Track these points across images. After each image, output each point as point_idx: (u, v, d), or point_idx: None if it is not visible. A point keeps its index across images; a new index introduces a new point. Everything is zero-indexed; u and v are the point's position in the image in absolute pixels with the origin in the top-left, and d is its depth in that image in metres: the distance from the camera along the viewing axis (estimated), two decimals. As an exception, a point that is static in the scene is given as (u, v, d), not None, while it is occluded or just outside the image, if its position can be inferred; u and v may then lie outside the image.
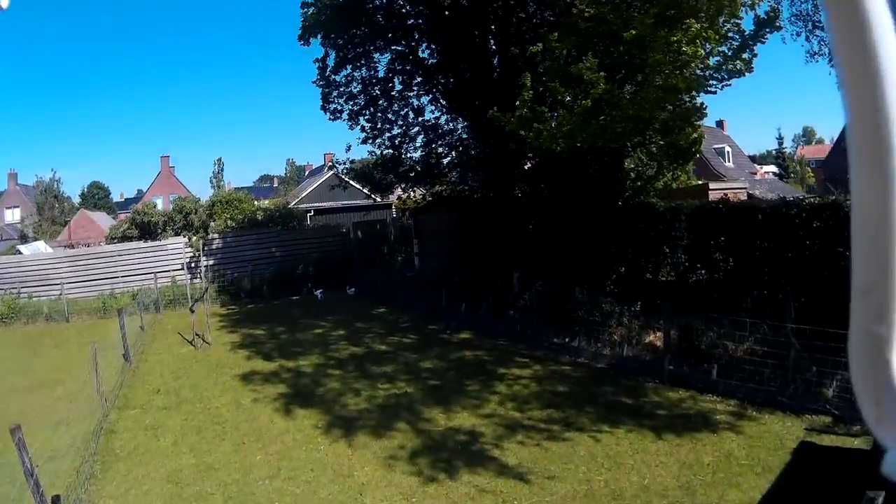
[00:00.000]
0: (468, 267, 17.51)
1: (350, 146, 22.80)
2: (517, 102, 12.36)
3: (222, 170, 75.68)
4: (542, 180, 16.39)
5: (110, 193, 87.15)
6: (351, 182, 25.26)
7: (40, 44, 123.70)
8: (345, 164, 21.25)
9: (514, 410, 9.43)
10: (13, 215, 58.09)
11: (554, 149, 12.41)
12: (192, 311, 15.93)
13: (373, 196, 24.81)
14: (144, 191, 69.34)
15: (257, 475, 7.90)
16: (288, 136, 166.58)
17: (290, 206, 33.33)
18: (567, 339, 12.59)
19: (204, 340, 15.73)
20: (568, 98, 12.28)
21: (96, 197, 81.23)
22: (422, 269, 21.50)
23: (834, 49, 0.63)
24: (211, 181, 73.25)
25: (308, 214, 33.68)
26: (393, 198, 33.12)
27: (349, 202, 38.14)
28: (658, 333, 11.46)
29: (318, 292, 22.66)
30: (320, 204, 39.10)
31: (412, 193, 21.97)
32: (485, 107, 13.81)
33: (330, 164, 20.85)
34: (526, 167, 17.26)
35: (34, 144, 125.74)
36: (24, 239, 38.94)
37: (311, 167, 64.11)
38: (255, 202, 31.79)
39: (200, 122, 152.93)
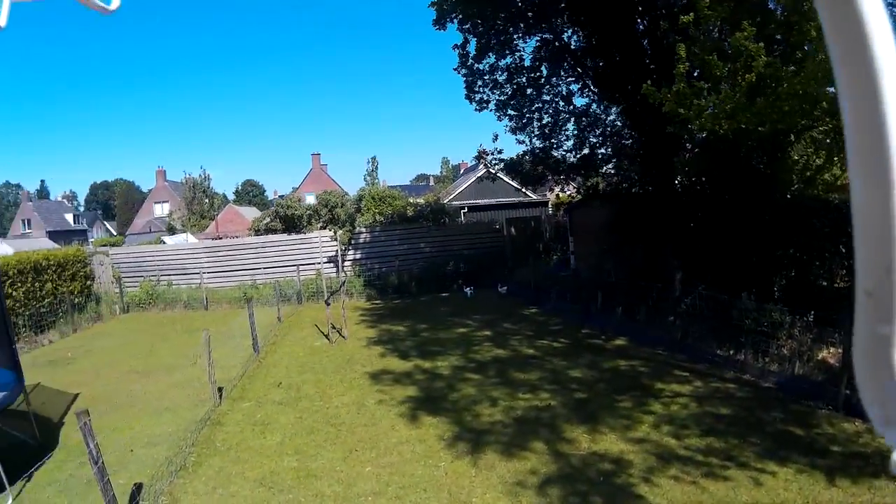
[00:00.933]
0: (625, 267, 16.28)
1: (497, 135, 21.76)
2: (673, 80, 11.21)
3: (376, 168, 77.42)
4: (703, 172, 15.09)
5: (265, 191, 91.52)
6: (500, 176, 24.65)
7: (190, 46, 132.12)
8: (493, 154, 20.23)
9: (669, 436, 7.86)
10: (162, 209, 62.03)
11: (716, 131, 11.02)
12: (328, 304, 15.44)
13: (524, 190, 23.98)
14: (297, 188, 71.82)
15: (361, 489, 6.88)
16: (444, 135, 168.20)
17: (444, 203, 33.06)
18: (731, 352, 10.99)
19: (340, 334, 15.24)
20: (726, 73, 10.97)
21: (250, 194, 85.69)
22: (577, 269, 20.35)
23: (830, 48, 0.61)
24: (365, 179, 75.02)
25: (462, 211, 33.33)
26: (550, 196, 32.28)
27: (503, 199, 37.79)
28: (832, 349, 9.78)
29: (467, 289, 22.03)
30: (474, 201, 38.71)
31: (567, 187, 21.09)
32: (638, 90, 12.76)
33: (478, 154, 19.97)
34: (686, 157, 15.91)
35: (189, 146, 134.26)
36: (171, 231, 41.15)
37: (467, 165, 64.03)
38: (409, 199, 31.69)
39: (355, 121, 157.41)
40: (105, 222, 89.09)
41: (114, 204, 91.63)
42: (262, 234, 26.64)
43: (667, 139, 13.99)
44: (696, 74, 11.62)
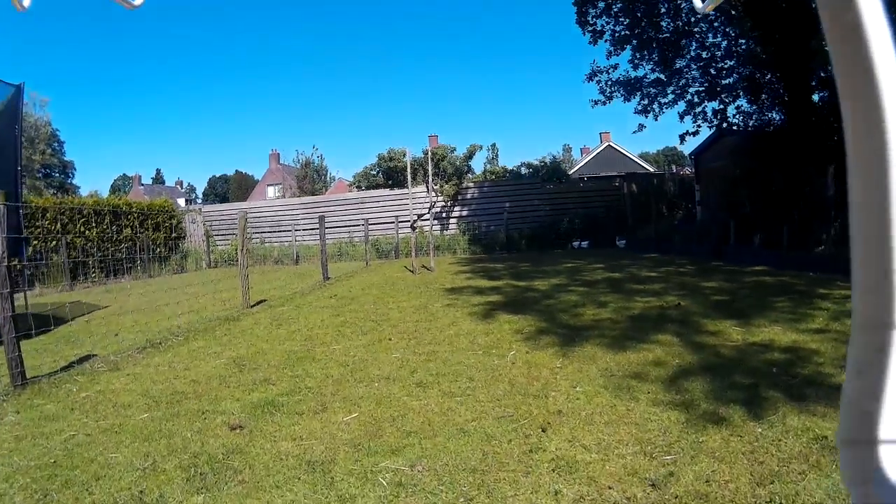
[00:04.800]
0: (761, 195, 13.67)
1: (610, 52, 18.64)
2: None
3: (497, 156, 75.24)
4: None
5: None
6: (616, 145, 22.00)
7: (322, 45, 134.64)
8: (607, 71, 17.51)
9: (856, 325, 5.26)
10: (275, 192, 61.76)
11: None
12: (413, 229, 14.07)
13: (643, 164, 20.97)
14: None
15: (367, 374, 4.61)
16: (566, 124, 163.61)
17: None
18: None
19: (427, 269, 13.47)
20: None
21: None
22: (703, 220, 17.80)
23: (830, 48, 0.55)
24: (484, 166, 73.27)
25: (579, 183, 31.23)
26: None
27: (622, 172, 35.67)
28: None
29: (582, 243, 20.34)
30: (592, 174, 36.71)
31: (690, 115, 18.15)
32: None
33: (591, 72, 17.22)
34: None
35: (310, 138, 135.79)
36: (276, 207, 40.72)
37: (588, 150, 61.56)
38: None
39: (475, 109, 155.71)
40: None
41: (231, 195, 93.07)
42: (363, 190, 25.03)
43: (802, 18, 11.83)
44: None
